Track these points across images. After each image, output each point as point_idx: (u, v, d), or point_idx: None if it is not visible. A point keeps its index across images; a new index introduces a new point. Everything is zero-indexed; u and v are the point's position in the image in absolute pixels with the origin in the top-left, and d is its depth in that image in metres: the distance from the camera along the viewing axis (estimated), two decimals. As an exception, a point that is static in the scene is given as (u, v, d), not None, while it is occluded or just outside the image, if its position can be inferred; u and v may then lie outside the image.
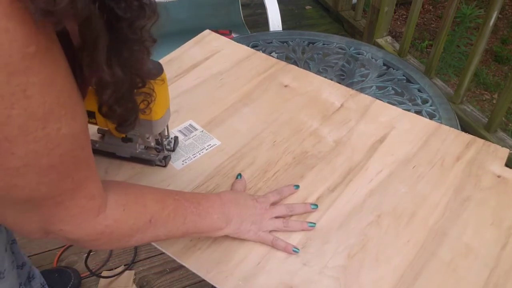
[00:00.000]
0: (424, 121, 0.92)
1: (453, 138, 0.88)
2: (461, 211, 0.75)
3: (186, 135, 0.87)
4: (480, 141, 0.88)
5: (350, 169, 0.82)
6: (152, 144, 0.79)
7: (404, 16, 2.93)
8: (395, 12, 2.66)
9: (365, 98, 0.97)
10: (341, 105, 0.95)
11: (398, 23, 2.88)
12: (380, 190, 0.78)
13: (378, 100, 0.97)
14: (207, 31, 1.14)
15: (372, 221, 0.73)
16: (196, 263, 0.67)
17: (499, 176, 0.81)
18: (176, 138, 0.83)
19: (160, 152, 0.80)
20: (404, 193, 0.78)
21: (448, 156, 0.85)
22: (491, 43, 2.74)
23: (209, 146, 0.86)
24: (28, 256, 1.40)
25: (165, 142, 0.80)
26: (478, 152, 0.85)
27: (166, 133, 0.80)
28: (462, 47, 2.47)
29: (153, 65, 0.69)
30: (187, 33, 1.15)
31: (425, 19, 2.95)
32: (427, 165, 0.83)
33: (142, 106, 0.58)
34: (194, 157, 0.84)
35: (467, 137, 0.89)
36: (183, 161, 0.83)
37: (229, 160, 0.83)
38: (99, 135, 0.84)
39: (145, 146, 0.80)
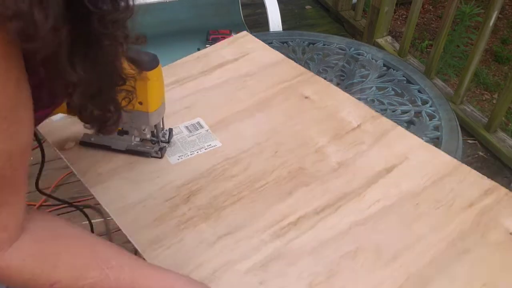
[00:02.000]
0: (445, 157, 0.84)
1: (472, 181, 0.79)
2: (454, 263, 0.67)
3: (191, 132, 0.87)
4: (503, 190, 0.78)
5: (345, 194, 0.77)
6: (148, 136, 0.80)
7: (404, 16, 2.88)
8: (395, 12, 2.61)
9: (386, 122, 0.90)
10: (358, 126, 0.90)
11: (398, 23, 2.84)
12: (370, 222, 0.72)
13: (399, 127, 0.90)
14: (243, 32, 1.14)
15: (349, 252, 0.68)
16: (157, 260, 0.67)
17: (511, 233, 0.71)
18: (170, 130, 0.83)
19: (155, 144, 0.81)
20: (395, 230, 0.71)
21: (460, 199, 0.76)
22: (491, 43, 2.69)
23: (209, 146, 0.85)
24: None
25: (160, 134, 0.80)
26: (497, 201, 0.76)
27: (161, 125, 0.80)
28: (462, 47, 2.44)
29: (149, 57, 0.69)
30: (187, 33, 1.16)
31: (425, 19, 2.90)
32: (433, 205, 0.75)
33: (124, 103, 0.57)
34: (191, 154, 0.83)
35: (488, 183, 0.79)
36: (179, 156, 0.83)
37: (222, 163, 0.81)
38: None
39: (140, 139, 0.81)
